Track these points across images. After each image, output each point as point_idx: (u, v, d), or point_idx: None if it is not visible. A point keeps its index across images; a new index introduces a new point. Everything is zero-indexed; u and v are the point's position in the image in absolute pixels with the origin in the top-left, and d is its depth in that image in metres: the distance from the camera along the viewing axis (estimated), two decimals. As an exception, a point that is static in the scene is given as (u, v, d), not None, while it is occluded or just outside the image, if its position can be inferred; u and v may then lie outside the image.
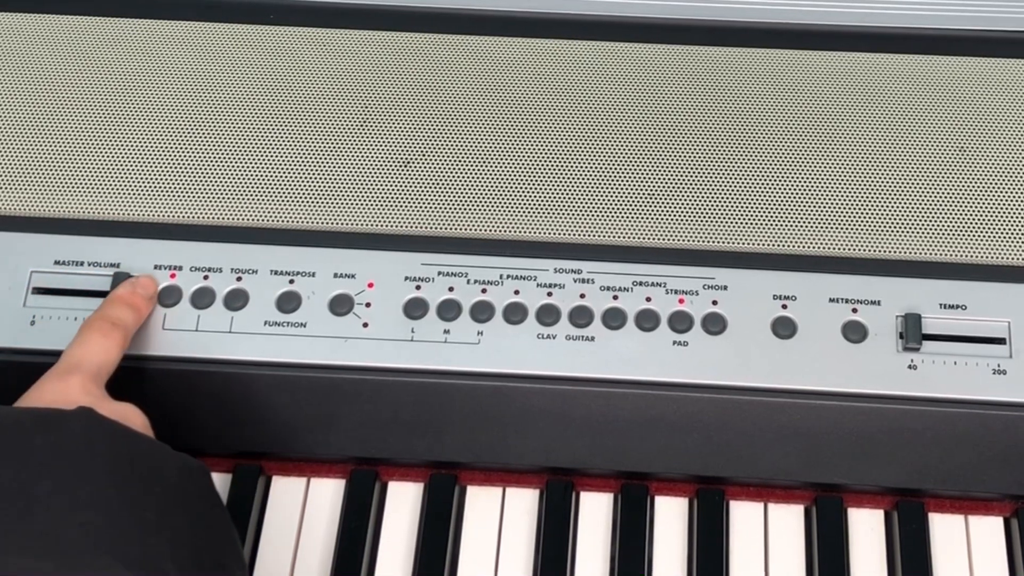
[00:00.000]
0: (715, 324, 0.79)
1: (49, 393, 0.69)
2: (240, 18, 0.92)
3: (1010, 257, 0.81)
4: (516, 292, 0.81)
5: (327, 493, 0.81)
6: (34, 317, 0.80)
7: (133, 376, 0.78)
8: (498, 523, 0.80)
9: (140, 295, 0.79)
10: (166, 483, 0.64)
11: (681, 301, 0.80)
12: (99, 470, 0.62)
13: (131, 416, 0.70)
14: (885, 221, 0.83)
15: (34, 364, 0.75)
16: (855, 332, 0.79)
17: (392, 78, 0.89)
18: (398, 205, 0.84)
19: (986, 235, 0.82)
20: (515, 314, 0.80)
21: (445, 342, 0.79)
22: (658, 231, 0.83)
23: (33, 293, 0.81)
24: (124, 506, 0.61)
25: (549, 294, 0.81)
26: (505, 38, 0.91)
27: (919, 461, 0.77)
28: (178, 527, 0.63)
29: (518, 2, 0.93)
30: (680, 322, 0.80)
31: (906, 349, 0.78)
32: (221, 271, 0.81)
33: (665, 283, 0.81)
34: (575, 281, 0.81)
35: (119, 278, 0.80)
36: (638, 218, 0.83)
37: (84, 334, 0.74)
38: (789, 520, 0.79)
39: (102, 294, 0.80)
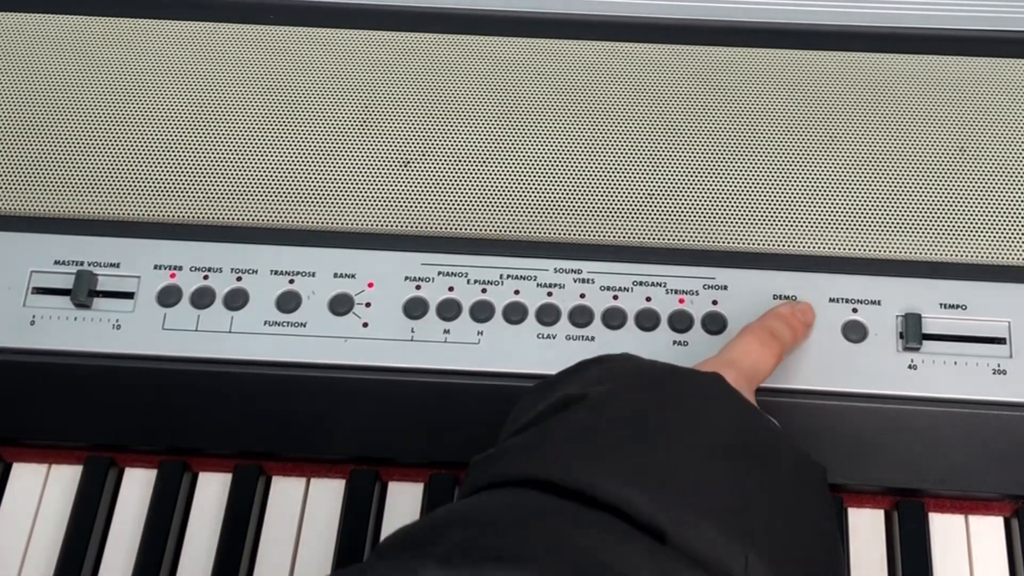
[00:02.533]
0: (715, 324, 0.80)
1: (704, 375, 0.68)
2: (240, 18, 0.92)
3: (1010, 257, 0.81)
4: (516, 292, 0.81)
5: (327, 493, 0.81)
6: (34, 317, 0.80)
7: (133, 376, 0.78)
8: (498, 523, 0.79)
9: (799, 320, 0.77)
10: (777, 467, 0.61)
11: (681, 301, 0.80)
12: (721, 429, 0.61)
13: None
14: (886, 221, 0.83)
15: (34, 364, 0.75)
16: (855, 332, 0.79)
17: (392, 78, 0.89)
18: (398, 205, 0.84)
19: (986, 235, 0.82)
20: (515, 314, 0.80)
21: (445, 342, 0.79)
22: (658, 231, 0.83)
23: (33, 293, 0.81)
24: (729, 472, 0.59)
25: (549, 294, 0.81)
26: (505, 38, 0.91)
27: (919, 461, 0.77)
28: (779, 508, 0.59)
29: (518, 2, 0.93)
30: (680, 322, 0.80)
31: (906, 349, 0.78)
32: (221, 271, 0.81)
33: (665, 283, 0.81)
34: (575, 281, 0.81)
35: (82, 277, 0.79)
36: (638, 218, 0.83)
37: (745, 339, 0.73)
38: (789, 520, 0.79)
39: (102, 294, 0.80)
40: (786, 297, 0.80)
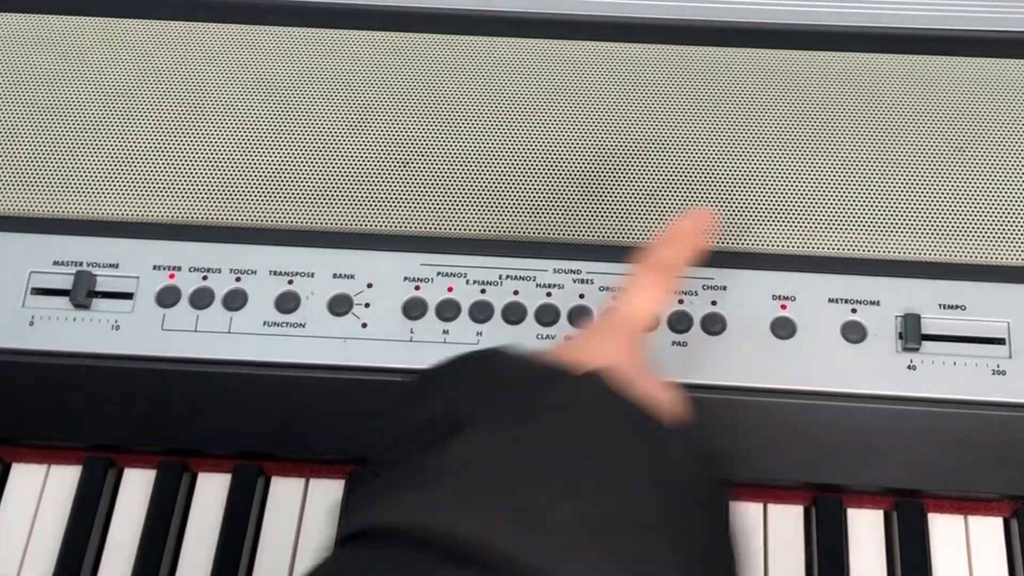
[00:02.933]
0: (715, 324, 0.79)
1: (593, 353, 0.63)
2: (238, 18, 0.92)
3: (1010, 257, 0.81)
4: (515, 292, 0.81)
5: (327, 493, 0.81)
6: (33, 317, 0.80)
7: (132, 377, 0.78)
8: (497, 523, 0.79)
9: (696, 231, 0.71)
10: (680, 475, 0.57)
11: (680, 301, 0.80)
12: (608, 449, 0.55)
13: (660, 395, 0.62)
14: (885, 221, 0.83)
15: (33, 364, 0.75)
16: (855, 332, 0.79)
17: (391, 78, 0.89)
18: (397, 205, 0.84)
19: (986, 235, 0.82)
20: (514, 314, 0.80)
21: (444, 342, 0.79)
22: (658, 231, 0.82)
23: (32, 293, 0.81)
24: (628, 495, 0.54)
25: (548, 294, 0.81)
26: (504, 38, 0.91)
27: (919, 461, 0.77)
28: (687, 527, 0.55)
29: (518, 2, 0.93)
30: (680, 322, 0.80)
31: (905, 349, 0.78)
32: (220, 271, 0.81)
33: (665, 283, 0.81)
34: (574, 281, 0.81)
35: (82, 277, 0.79)
36: (637, 218, 0.83)
37: (639, 283, 0.68)
38: (789, 520, 0.79)
39: (101, 294, 0.80)
40: (786, 297, 0.80)
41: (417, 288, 0.81)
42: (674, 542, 0.54)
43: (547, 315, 0.80)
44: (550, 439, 0.56)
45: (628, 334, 0.66)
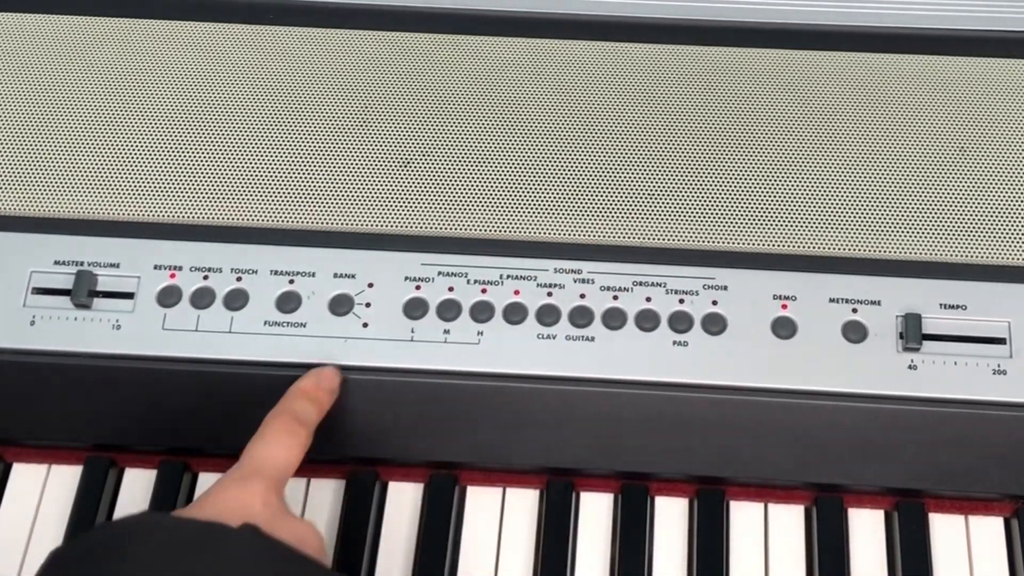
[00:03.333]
0: (715, 324, 0.79)
1: (229, 501, 0.66)
2: (240, 18, 0.92)
3: (1010, 257, 0.81)
4: (516, 292, 0.81)
5: (327, 493, 0.81)
6: (34, 317, 0.80)
7: (133, 376, 0.78)
8: (498, 523, 0.80)
9: (324, 388, 0.76)
10: None
11: (681, 301, 0.80)
12: None
13: (307, 537, 0.66)
14: (885, 221, 0.83)
15: (33, 364, 0.75)
16: (855, 332, 0.79)
17: (392, 78, 0.89)
18: (398, 205, 0.84)
19: (986, 235, 0.82)
20: (515, 314, 0.80)
21: (445, 342, 0.79)
22: (658, 231, 0.83)
23: (33, 293, 0.81)
24: None
25: (549, 294, 0.81)
26: (505, 38, 0.91)
27: (919, 461, 0.77)
28: None
29: (518, 2, 0.93)
30: (680, 322, 0.80)
31: (906, 349, 0.78)
32: (221, 271, 0.81)
33: (665, 283, 0.81)
34: (575, 281, 0.81)
35: (82, 277, 0.79)
36: (638, 218, 0.83)
37: (269, 432, 0.71)
38: (789, 520, 0.79)
39: (102, 294, 0.80)
40: (786, 297, 0.80)
41: (418, 288, 0.81)
42: None
43: (548, 315, 0.80)
44: None
45: (264, 483, 0.67)
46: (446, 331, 0.80)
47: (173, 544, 0.60)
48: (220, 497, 0.66)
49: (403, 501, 0.80)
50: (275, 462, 0.69)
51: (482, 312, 0.80)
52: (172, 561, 0.58)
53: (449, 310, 0.80)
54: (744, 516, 0.79)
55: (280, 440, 0.70)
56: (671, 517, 0.80)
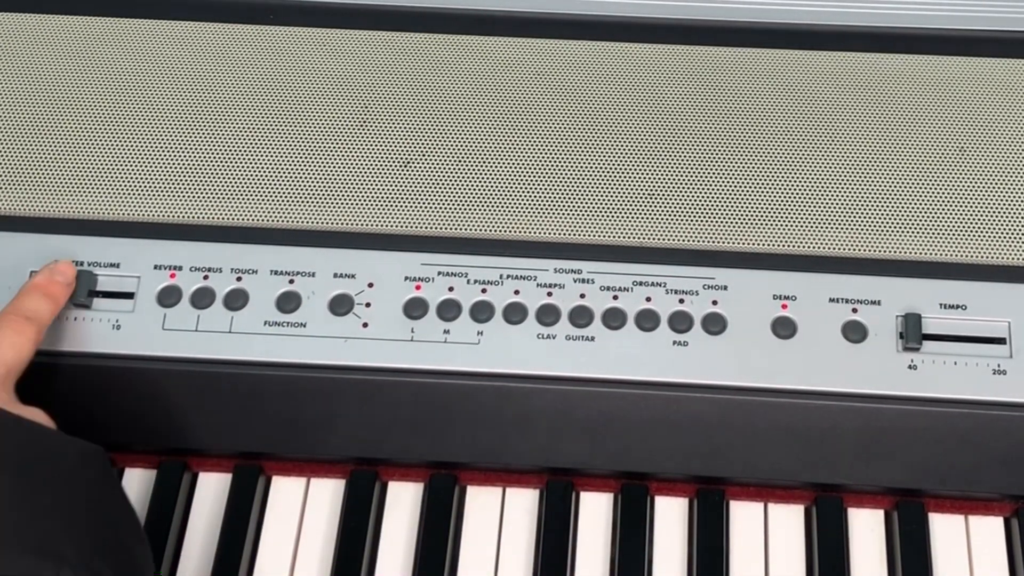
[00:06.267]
0: (715, 324, 0.79)
1: None
2: (240, 18, 0.92)
3: (1010, 257, 0.81)
4: (516, 292, 0.81)
5: (327, 493, 0.81)
6: (34, 317, 0.80)
7: (133, 376, 0.78)
8: (498, 523, 0.80)
9: (59, 282, 0.78)
10: (62, 468, 0.65)
11: (681, 301, 0.80)
12: None
13: (38, 418, 0.70)
14: (885, 221, 0.83)
15: (34, 364, 0.74)
16: (855, 332, 0.79)
17: (392, 78, 0.89)
18: (398, 205, 0.84)
19: (986, 235, 0.82)
20: (515, 314, 0.80)
21: (445, 342, 0.79)
22: (658, 231, 0.83)
23: (33, 293, 0.81)
24: (18, 492, 0.61)
25: (549, 294, 0.81)
26: (505, 38, 0.91)
27: (919, 461, 0.77)
28: (76, 510, 0.63)
29: (518, 2, 0.93)
30: (680, 322, 0.80)
31: (906, 349, 0.78)
32: (221, 271, 0.81)
33: (665, 283, 0.81)
34: (575, 281, 0.81)
35: (83, 277, 0.80)
36: (638, 218, 0.83)
37: (1, 328, 0.73)
38: (789, 520, 0.79)
39: (102, 294, 0.80)
40: (786, 297, 0.80)
41: (418, 288, 0.81)
42: (69, 521, 0.62)
43: (548, 315, 0.80)
44: None
45: None
46: (446, 331, 0.80)
47: None
48: None
49: (403, 501, 0.80)
50: (2, 359, 0.71)
51: (482, 312, 0.80)
52: None
53: (449, 310, 0.80)
54: (744, 516, 0.79)
55: (6, 338, 0.73)
56: (671, 517, 0.80)
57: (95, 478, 0.67)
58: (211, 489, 0.81)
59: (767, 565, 0.78)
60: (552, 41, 0.91)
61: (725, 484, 0.79)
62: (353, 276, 0.81)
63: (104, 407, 0.79)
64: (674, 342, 0.79)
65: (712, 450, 0.78)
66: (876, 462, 0.77)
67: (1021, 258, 0.81)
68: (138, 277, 0.81)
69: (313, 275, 0.81)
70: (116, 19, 0.92)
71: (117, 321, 0.80)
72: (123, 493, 0.69)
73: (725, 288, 0.81)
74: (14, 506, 0.61)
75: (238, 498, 0.79)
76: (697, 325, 0.80)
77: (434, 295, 0.81)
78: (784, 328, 0.79)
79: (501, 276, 0.81)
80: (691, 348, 0.79)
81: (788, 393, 0.78)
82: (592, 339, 0.79)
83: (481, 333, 0.80)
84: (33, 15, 0.92)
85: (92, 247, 0.82)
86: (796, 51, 0.90)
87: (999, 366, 0.78)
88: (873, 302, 0.80)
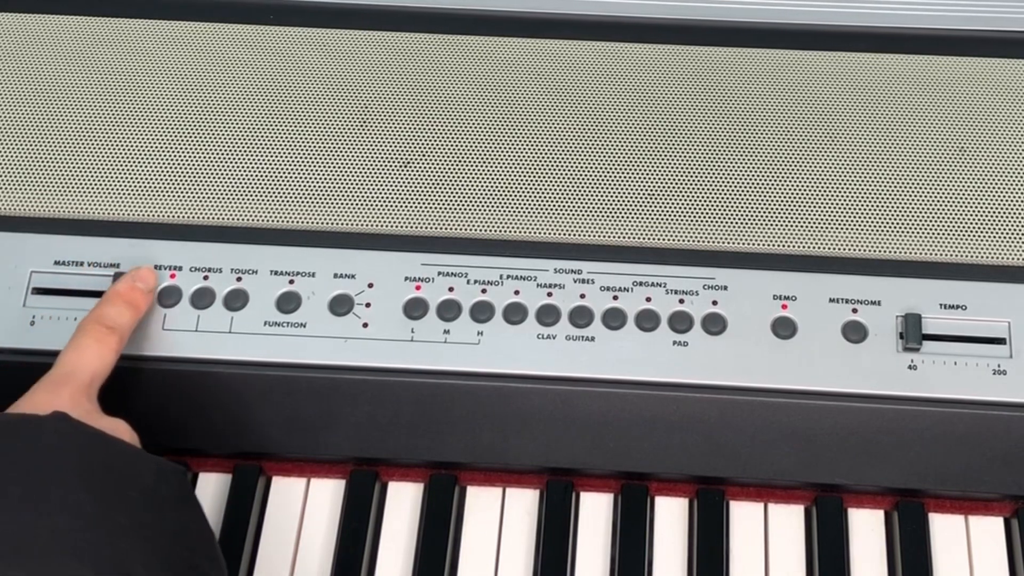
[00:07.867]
0: (715, 324, 0.79)
1: (39, 405, 0.68)
2: (240, 18, 0.92)
3: (1010, 257, 0.81)
4: (516, 292, 0.81)
5: (327, 493, 0.81)
6: (34, 317, 0.80)
7: (133, 376, 0.78)
8: (498, 523, 0.80)
9: (140, 289, 0.78)
10: (140, 487, 0.64)
11: (681, 301, 0.80)
12: (71, 474, 0.61)
13: (120, 430, 0.69)
14: (885, 221, 0.83)
15: (34, 364, 0.74)
16: (855, 332, 0.79)
17: (392, 78, 0.89)
18: (398, 205, 0.84)
19: (986, 235, 0.82)
20: (515, 314, 0.80)
21: (445, 342, 0.79)
22: (658, 231, 0.83)
23: (33, 293, 0.81)
24: (95, 510, 0.61)
25: (549, 294, 0.81)
26: (505, 38, 0.91)
27: (919, 461, 0.77)
28: (151, 530, 0.62)
29: (518, 2, 0.93)
30: (680, 322, 0.80)
31: (906, 349, 0.78)
32: (221, 271, 0.81)
33: (665, 283, 0.81)
34: (575, 281, 0.81)
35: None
36: (638, 218, 0.83)
37: (79, 338, 0.73)
38: (789, 520, 0.79)
39: (101, 294, 0.80)
40: (786, 297, 0.80)
41: (418, 288, 0.81)
42: (144, 540, 0.61)
43: (548, 315, 0.80)
44: (17, 474, 0.61)
45: (74, 387, 0.70)
46: (446, 331, 0.80)
47: None
48: (30, 402, 0.69)
49: (403, 501, 0.80)
50: (85, 367, 0.72)
51: (482, 312, 0.80)
52: None
53: (449, 310, 0.80)
54: (744, 516, 0.79)
55: (90, 346, 0.73)
56: (671, 517, 0.80)
57: (172, 497, 0.66)
58: (211, 489, 0.81)
59: (767, 565, 0.78)
60: (552, 41, 0.91)
61: (725, 484, 0.79)
62: (353, 276, 0.81)
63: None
64: (674, 342, 0.79)
65: (712, 450, 0.78)
66: (876, 462, 0.77)
67: (1021, 258, 0.81)
68: (138, 277, 0.81)
69: (313, 275, 0.81)
70: (116, 19, 0.92)
71: (117, 321, 0.80)
72: (201, 513, 0.68)
73: (725, 288, 0.81)
74: (92, 524, 0.60)
75: (238, 498, 0.79)
76: (697, 325, 0.80)
77: (434, 295, 0.81)
78: (784, 328, 0.79)
79: (501, 276, 0.81)
80: (691, 348, 0.79)
81: (788, 393, 0.78)
82: (592, 339, 0.79)
83: (481, 333, 0.80)
84: (33, 15, 0.92)
85: (92, 247, 0.82)
86: (795, 51, 0.90)
87: (999, 366, 0.78)
88: (873, 302, 0.80)
